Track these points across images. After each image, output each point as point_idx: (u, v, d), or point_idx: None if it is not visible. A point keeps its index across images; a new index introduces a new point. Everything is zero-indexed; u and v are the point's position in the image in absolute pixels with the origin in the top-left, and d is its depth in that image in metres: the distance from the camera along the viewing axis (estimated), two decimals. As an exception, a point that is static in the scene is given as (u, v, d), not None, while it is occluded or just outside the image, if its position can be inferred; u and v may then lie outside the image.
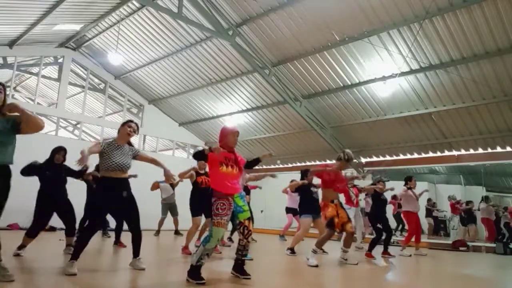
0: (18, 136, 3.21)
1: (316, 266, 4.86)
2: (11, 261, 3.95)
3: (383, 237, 6.91)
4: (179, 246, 6.21)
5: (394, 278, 4.86)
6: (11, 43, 10.20)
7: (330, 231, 5.21)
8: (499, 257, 8.09)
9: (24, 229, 8.91)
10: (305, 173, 6.72)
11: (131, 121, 4.25)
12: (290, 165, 13.18)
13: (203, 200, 5.56)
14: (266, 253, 6.92)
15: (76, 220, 5.20)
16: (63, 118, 13.34)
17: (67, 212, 4.99)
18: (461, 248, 9.05)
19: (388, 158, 11.06)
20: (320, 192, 5.88)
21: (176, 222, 9.51)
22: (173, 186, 9.19)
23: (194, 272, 3.48)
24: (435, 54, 7.75)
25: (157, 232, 9.31)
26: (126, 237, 4.99)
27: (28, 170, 4.82)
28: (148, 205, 8.36)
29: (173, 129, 13.72)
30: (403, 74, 8.29)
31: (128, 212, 4.06)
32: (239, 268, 3.82)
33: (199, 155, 3.71)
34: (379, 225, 6.91)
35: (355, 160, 11.45)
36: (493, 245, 9.08)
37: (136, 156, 4.14)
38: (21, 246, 4.58)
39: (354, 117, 10.32)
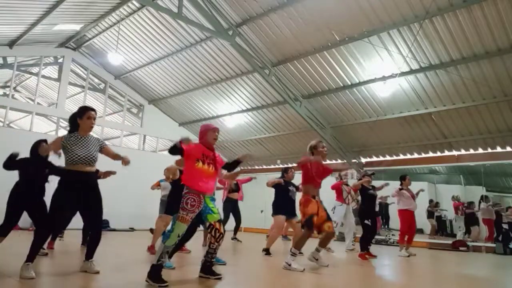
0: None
1: (303, 270, 4.49)
2: (17, 264, 3.88)
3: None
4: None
5: (393, 278, 4.86)
6: (11, 43, 10.21)
7: (307, 230, 4.73)
8: (499, 257, 8.10)
9: (25, 229, 8.98)
10: (285, 170, 6.67)
11: (91, 109, 3.84)
12: (290, 165, 13.16)
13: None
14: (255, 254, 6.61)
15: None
16: (63, 118, 13.33)
17: (40, 213, 4.68)
18: (461, 248, 9.06)
19: (388, 158, 11.06)
20: (298, 194, 5.73)
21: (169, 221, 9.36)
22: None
23: (155, 273, 3.31)
24: (435, 54, 7.76)
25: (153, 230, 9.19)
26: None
27: (10, 163, 4.55)
28: (153, 205, 8.37)
29: (173, 129, 13.72)
30: (403, 74, 8.29)
31: (90, 209, 3.75)
32: (208, 269, 3.73)
33: (173, 150, 3.49)
34: (367, 222, 6.57)
35: (354, 160, 11.48)
36: (493, 245, 9.09)
37: (102, 149, 3.84)
38: None
39: (354, 117, 10.32)
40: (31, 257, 3.45)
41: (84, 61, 12.07)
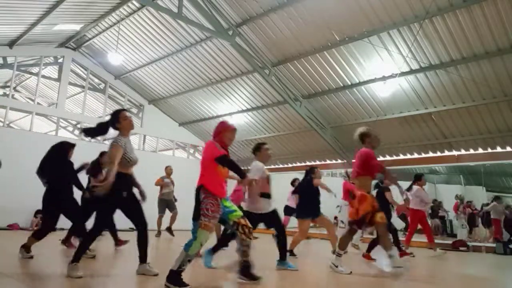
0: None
1: (350, 273, 4.25)
2: (16, 264, 3.89)
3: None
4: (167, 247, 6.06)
5: (393, 278, 4.85)
6: (11, 43, 10.20)
7: (356, 228, 4.47)
8: (499, 257, 8.09)
9: (25, 229, 8.98)
10: (311, 170, 6.27)
11: (125, 110, 3.98)
12: (290, 165, 13.19)
13: None
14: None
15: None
16: (63, 118, 13.35)
17: (76, 212, 4.86)
18: (461, 248, 9.05)
19: (388, 158, 11.06)
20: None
21: (174, 218, 9.08)
22: (173, 182, 9.17)
23: (175, 278, 3.17)
24: (435, 54, 7.75)
25: (159, 233, 8.97)
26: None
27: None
28: (152, 205, 8.31)
29: (173, 129, 13.72)
30: (403, 74, 8.29)
31: (136, 209, 3.80)
32: (247, 272, 3.51)
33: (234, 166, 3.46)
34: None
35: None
36: (493, 245, 9.09)
37: None
38: (26, 247, 4.40)
39: (354, 117, 10.32)
40: (77, 257, 3.43)
41: (84, 61, 12.07)
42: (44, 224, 4.66)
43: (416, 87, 8.64)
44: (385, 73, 8.62)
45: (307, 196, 6.15)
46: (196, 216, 3.31)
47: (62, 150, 4.94)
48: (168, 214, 9.19)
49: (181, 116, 13.58)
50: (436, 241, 10.59)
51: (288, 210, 9.20)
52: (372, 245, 6.15)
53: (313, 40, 8.62)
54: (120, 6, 9.30)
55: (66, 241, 5.76)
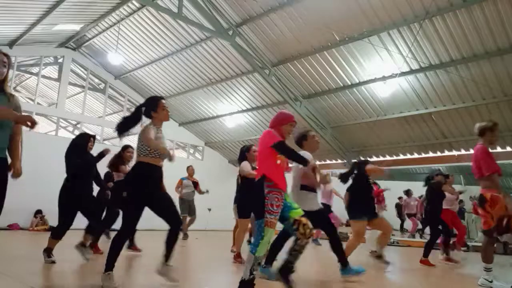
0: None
1: None
2: (17, 264, 3.82)
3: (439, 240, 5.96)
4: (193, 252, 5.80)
5: (393, 278, 4.85)
6: (11, 43, 10.20)
7: (494, 236, 3.73)
8: (499, 257, 8.08)
9: (25, 229, 8.98)
10: (364, 162, 5.22)
11: (163, 98, 3.59)
12: (290, 165, 13.16)
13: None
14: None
15: None
16: (63, 118, 13.34)
17: (96, 209, 4.64)
18: (461, 248, 9.05)
19: (388, 158, 11.06)
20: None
21: (191, 223, 8.73)
22: (195, 184, 8.76)
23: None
24: (435, 54, 7.75)
25: (186, 235, 8.35)
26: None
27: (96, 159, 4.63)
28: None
29: (173, 129, 13.71)
30: (403, 74, 8.29)
31: (169, 205, 3.39)
32: (287, 275, 3.13)
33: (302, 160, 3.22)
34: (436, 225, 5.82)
35: (354, 160, 11.47)
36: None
37: None
38: (49, 250, 4.17)
39: (354, 117, 10.32)
40: (110, 265, 3.04)
41: (84, 61, 12.07)
42: (59, 222, 4.32)
43: (416, 87, 8.64)
44: (385, 73, 8.62)
45: (360, 192, 5.05)
46: (260, 214, 2.97)
47: (80, 142, 4.65)
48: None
49: (181, 116, 13.58)
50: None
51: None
52: (428, 248, 5.69)
53: (313, 40, 8.62)
54: (120, 6, 9.30)
55: (92, 246, 5.41)
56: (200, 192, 8.66)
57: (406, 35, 7.59)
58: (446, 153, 10.00)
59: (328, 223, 4.04)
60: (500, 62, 7.34)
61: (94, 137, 4.82)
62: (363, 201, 4.93)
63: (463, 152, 9.74)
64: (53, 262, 4.07)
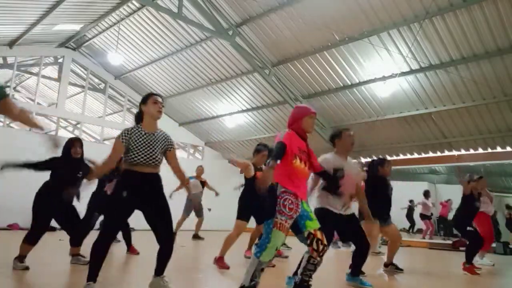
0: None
1: None
2: (13, 276, 3.70)
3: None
4: (204, 254, 5.71)
5: (394, 278, 4.85)
6: (11, 43, 10.20)
7: None
8: (499, 257, 8.09)
9: (25, 229, 8.96)
10: (380, 163, 4.99)
11: (157, 94, 3.20)
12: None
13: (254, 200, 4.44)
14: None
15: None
16: (63, 118, 13.32)
17: (72, 219, 4.27)
18: (461, 248, 9.05)
19: (388, 158, 11.06)
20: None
21: (200, 224, 8.69)
22: (203, 184, 8.66)
23: None
24: (435, 54, 7.75)
25: (174, 234, 8.38)
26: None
27: (46, 165, 4.18)
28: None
29: (173, 129, 13.69)
30: (403, 74, 8.29)
31: (159, 217, 3.06)
32: None
33: (278, 154, 2.80)
34: (470, 228, 5.42)
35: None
36: (493, 245, 9.09)
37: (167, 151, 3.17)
38: (21, 257, 3.90)
39: (354, 117, 10.32)
40: (92, 275, 2.76)
41: (84, 61, 12.07)
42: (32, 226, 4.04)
43: (416, 87, 8.64)
44: (385, 73, 8.62)
45: (380, 193, 4.83)
46: (271, 213, 2.74)
47: (65, 147, 4.33)
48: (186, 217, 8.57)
49: (181, 116, 13.58)
50: (434, 241, 10.67)
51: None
52: (469, 254, 5.30)
53: (313, 40, 8.62)
54: (120, 6, 9.30)
55: (129, 248, 5.45)
56: (211, 189, 8.76)
57: (406, 35, 7.59)
58: (446, 153, 10.00)
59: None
60: (500, 62, 7.34)
61: (79, 140, 4.43)
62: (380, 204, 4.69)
63: (463, 152, 9.75)
64: (27, 268, 3.80)
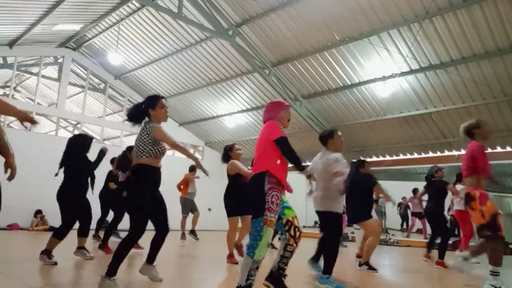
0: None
1: None
2: (17, 264, 3.79)
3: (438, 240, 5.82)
4: (204, 254, 5.75)
5: (394, 278, 4.85)
6: (11, 43, 10.21)
7: (496, 233, 3.43)
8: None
9: (25, 229, 8.98)
10: (361, 163, 5.57)
11: (164, 97, 3.39)
12: (290, 165, 13.17)
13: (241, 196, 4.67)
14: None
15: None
16: (63, 118, 13.35)
17: (87, 209, 4.51)
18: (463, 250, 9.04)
19: (388, 158, 11.06)
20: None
21: (196, 219, 8.50)
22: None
23: None
24: (435, 54, 7.75)
25: (184, 235, 8.24)
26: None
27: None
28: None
29: (173, 129, 13.69)
30: (403, 74, 8.29)
31: (160, 208, 3.35)
32: (278, 281, 2.94)
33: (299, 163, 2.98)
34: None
35: (354, 160, 11.47)
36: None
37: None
38: (48, 252, 4.08)
39: (354, 117, 10.32)
40: (113, 270, 2.85)
41: (84, 61, 12.07)
42: (63, 222, 4.25)
43: (416, 87, 8.64)
44: (385, 73, 8.62)
45: (367, 194, 5.22)
46: (259, 212, 2.71)
47: (79, 145, 4.59)
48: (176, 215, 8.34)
49: (181, 116, 13.58)
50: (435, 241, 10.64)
51: None
52: (442, 250, 5.55)
53: (313, 40, 8.62)
54: (120, 6, 9.30)
55: (102, 245, 5.39)
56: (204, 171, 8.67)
57: (406, 35, 7.59)
58: (446, 153, 10.00)
59: (339, 231, 3.93)
60: (500, 62, 7.34)
61: (92, 138, 4.87)
62: (361, 203, 5.08)
63: (463, 152, 9.70)
64: (55, 263, 4.01)
